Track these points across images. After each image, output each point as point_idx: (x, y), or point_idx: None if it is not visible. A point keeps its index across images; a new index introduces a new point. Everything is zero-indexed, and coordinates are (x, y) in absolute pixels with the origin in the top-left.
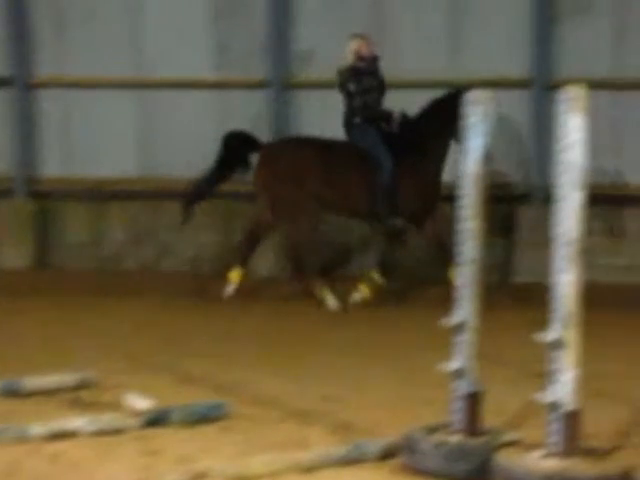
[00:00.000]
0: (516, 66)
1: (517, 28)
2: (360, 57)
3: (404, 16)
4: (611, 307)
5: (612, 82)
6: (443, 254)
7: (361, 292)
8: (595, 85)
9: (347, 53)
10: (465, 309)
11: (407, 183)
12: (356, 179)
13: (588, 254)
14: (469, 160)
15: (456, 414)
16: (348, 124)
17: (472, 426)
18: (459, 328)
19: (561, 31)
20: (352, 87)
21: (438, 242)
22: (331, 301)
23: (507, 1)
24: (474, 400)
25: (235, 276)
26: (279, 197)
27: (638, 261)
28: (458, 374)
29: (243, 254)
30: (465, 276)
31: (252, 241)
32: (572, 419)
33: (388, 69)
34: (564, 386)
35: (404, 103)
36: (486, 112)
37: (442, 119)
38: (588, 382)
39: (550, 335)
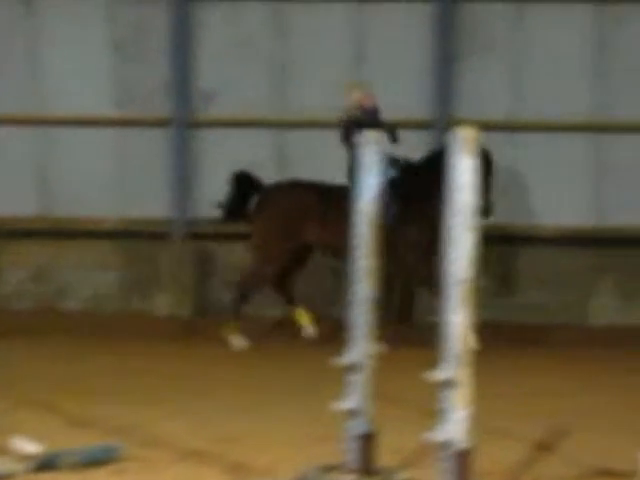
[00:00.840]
0: (417, 107)
1: (417, 69)
2: (362, 108)
3: (308, 58)
4: (507, 345)
5: (509, 123)
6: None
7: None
8: (493, 126)
9: (348, 103)
10: (359, 348)
11: (408, 228)
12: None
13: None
14: (363, 199)
15: (350, 454)
16: (351, 175)
17: (366, 466)
18: (352, 368)
19: (461, 72)
20: (353, 138)
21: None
22: (236, 341)
23: (408, 43)
24: (368, 440)
25: (234, 329)
26: (264, 235)
27: (530, 300)
28: (352, 414)
29: (236, 305)
30: (359, 315)
31: (247, 290)
32: (464, 458)
33: (291, 108)
34: (455, 425)
35: (303, 141)
36: (381, 152)
37: (444, 168)
38: (482, 420)
39: (440, 374)
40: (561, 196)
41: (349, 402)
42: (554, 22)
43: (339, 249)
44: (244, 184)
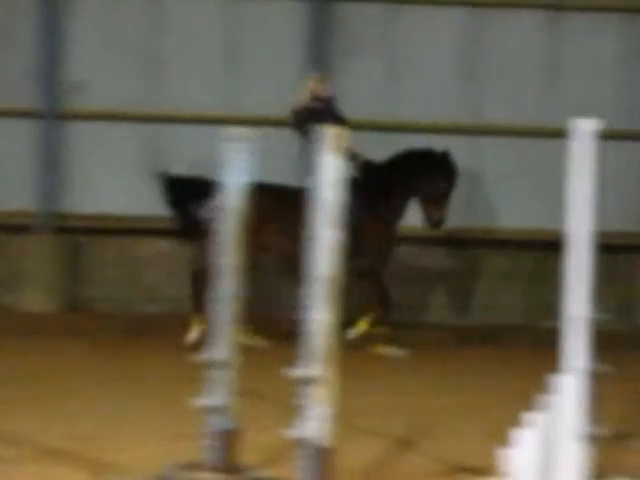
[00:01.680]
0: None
1: (290, 69)
2: (316, 97)
3: (182, 52)
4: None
5: (384, 123)
6: (381, 299)
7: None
8: (367, 126)
9: (301, 93)
10: (221, 345)
11: (366, 229)
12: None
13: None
14: (228, 196)
15: (210, 451)
16: (305, 166)
17: (226, 463)
18: (214, 364)
19: (335, 71)
20: (309, 127)
21: (381, 289)
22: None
23: (281, 41)
24: (229, 437)
25: (197, 323)
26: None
27: None
28: (212, 410)
29: (195, 300)
30: (222, 312)
31: (200, 284)
32: (323, 455)
33: (165, 102)
34: (315, 422)
35: (177, 136)
36: (247, 149)
37: (409, 171)
38: (346, 417)
39: (301, 371)
40: None
41: (210, 399)
42: (428, 23)
43: (294, 254)
44: (195, 189)
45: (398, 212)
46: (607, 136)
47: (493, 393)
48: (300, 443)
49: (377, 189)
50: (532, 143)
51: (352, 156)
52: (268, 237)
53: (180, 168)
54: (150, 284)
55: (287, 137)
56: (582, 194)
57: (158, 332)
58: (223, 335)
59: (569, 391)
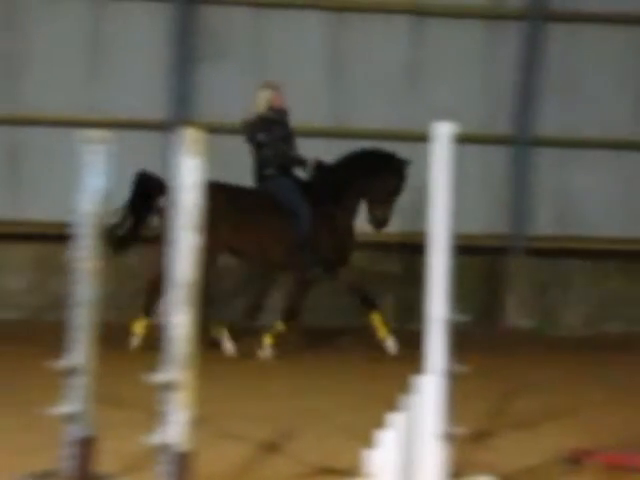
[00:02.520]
0: (154, 109)
1: (155, 71)
2: (270, 107)
3: (43, 54)
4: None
5: None
6: (362, 300)
7: (266, 346)
8: (232, 129)
9: (258, 103)
10: (79, 352)
11: (324, 231)
12: (271, 229)
13: None
14: (85, 200)
15: (67, 460)
16: (260, 176)
17: (84, 472)
18: (72, 371)
19: (199, 74)
20: (263, 137)
21: (356, 289)
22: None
23: (146, 43)
24: (87, 445)
25: (139, 327)
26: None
27: None
28: (70, 418)
29: (147, 304)
30: (80, 318)
31: (155, 290)
32: (183, 460)
33: (23, 104)
34: (175, 428)
35: (35, 139)
36: (105, 152)
37: (359, 172)
38: (212, 422)
39: (162, 376)
40: None
41: (67, 406)
42: (294, 27)
43: (248, 253)
44: (147, 187)
45: (351, 212)
46: (468, 140)
47: (359, 395)
48: (160, 449)
49: (328, 190)
50: (396, 147)
51: (300, 160)
52: (225, 237)
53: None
54: (7, 291)
55: (154, 139)
56: (442, 197)
57: (14, 340)
58: (81, 341)
59: (429, 392)
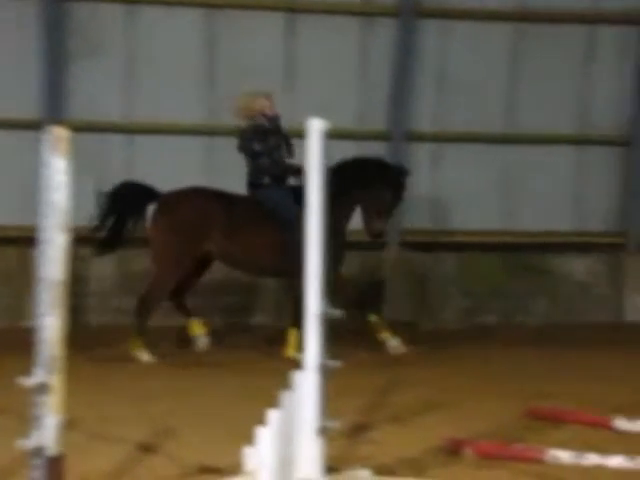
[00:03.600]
0: (25, 108)
1: (26, 69)
2: (263, 115)
3: None
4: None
5: (123, 125)
6: (356, 302)
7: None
8: (106, 127)
9: (250, 111)
10: None
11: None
12: (263, 236)
13: None
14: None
15: None
16: (254, 185)
17: None
18: None
19: (71, 73)
20: (257, 146)
21: (347, 292)
22: (144, 356)
23: (15, 41)
24: None
25: (136, 345)
26: (166, 244)
27: None
28: None
29: (140, 319)
30: None
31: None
32: (54, 464)
33: None
34: (46, 431)
35: None
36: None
37: (354, 180)
38: (90, 426)
39: (32, 379)
40: None
41: None
42: (167, 25)
43: (241, 259)
44: (134, 194)
45: (344, 220)
46: (344, 136)
47: (238, 392)
48: (33, 453)
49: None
50: None
51: (295, 169)
52: (212, 243)
53: None
54: None
55: (27, 139)
56: (315, 193)
57: None
58: None
59: (306, 387)
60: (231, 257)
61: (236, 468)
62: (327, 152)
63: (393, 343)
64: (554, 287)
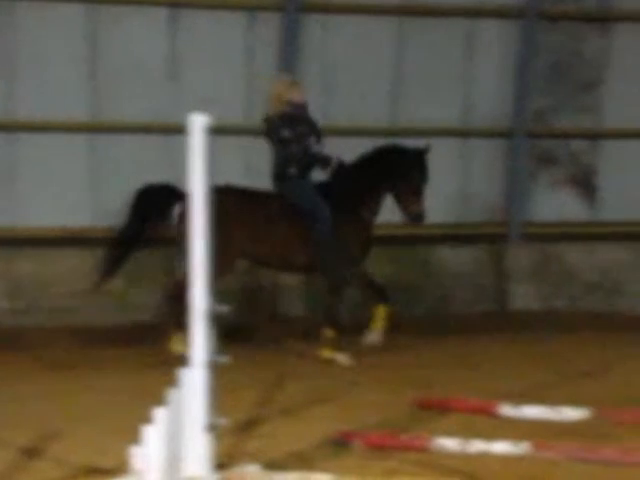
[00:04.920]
0: None
1: None
2: (290, 103)
3: None
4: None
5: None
6: (376, 293)
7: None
8: None
9: (278, 99)
10: None
11: (350, 233)
12: (291, 233)
13: None
14: None
15: None
16: (280, 175)
17: None
18: None
19: None
20: (286, 133)
21: (370, 283)
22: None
23: None
24: None
25: (176, 343)
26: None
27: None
28: None
29: (175, 316)
30: None
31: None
32: None
33: None
34: None
35: None
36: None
37: (380, 170)
38: None
39: None
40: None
41: None
42: (45, 20)
43: (272, 259)
44: (158, 198)
45: (374, 211)
46: (230, 131)
47: (126, 392)
48: None
49: (352, 190)
50: (158, 140)
51: (325, 158)
52: (241, 242)
53: None
54: None
55: None
56: (198, 188)
57: None
58: None
59: (193, 384)
60: (260, 255)
61: (122, 468)
62: (212, 148)
63: (373, 336)
64: (439, 278)
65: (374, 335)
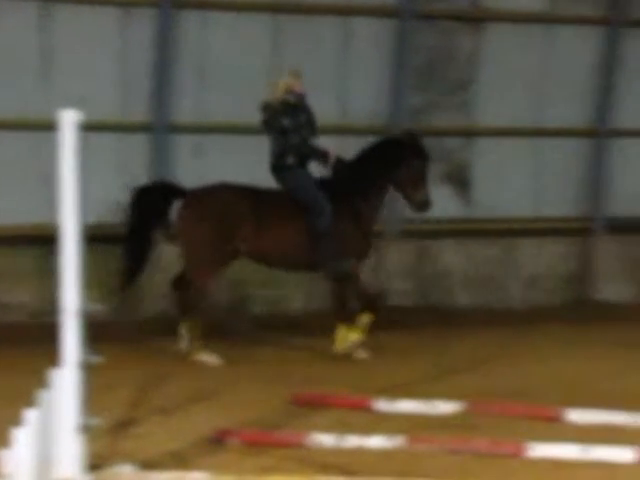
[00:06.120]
0: None
1: None
2: (291, 92)
3: None
4: None
5: None
6: (367, 302)
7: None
8: None
9: (278, 88)
10: None
11: (350, 228)
12: (292, 229)
13: None
14: None
15: None
16: (278, 166)
17: None
18: None
19: None
20: (286, 122)
21: (363, 291)
22: (208, 357)
23: None
24: None
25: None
26: (197, 243)
27: None
28: None
29: (183, 306)
30: None
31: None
32: None
33: None
34: None
35: None
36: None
37: (380, 164)
38: None
39: None
40: None
41: None
42: None
43: (272, 256)
44: (156, 196)
45: (376, 206)
46: (104, 128)
47: None
48: None
49: (351, 185)
50: (28, 136)
51: (322, 152)
52: (242, 239)
53: None
54: None
55: None
56: (69, 186)
57: None
58: None
59: (64, 385)
60: (261, 253)
61: None
62: (84, 144)
63: (359, 352)
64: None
65: (360, 351)
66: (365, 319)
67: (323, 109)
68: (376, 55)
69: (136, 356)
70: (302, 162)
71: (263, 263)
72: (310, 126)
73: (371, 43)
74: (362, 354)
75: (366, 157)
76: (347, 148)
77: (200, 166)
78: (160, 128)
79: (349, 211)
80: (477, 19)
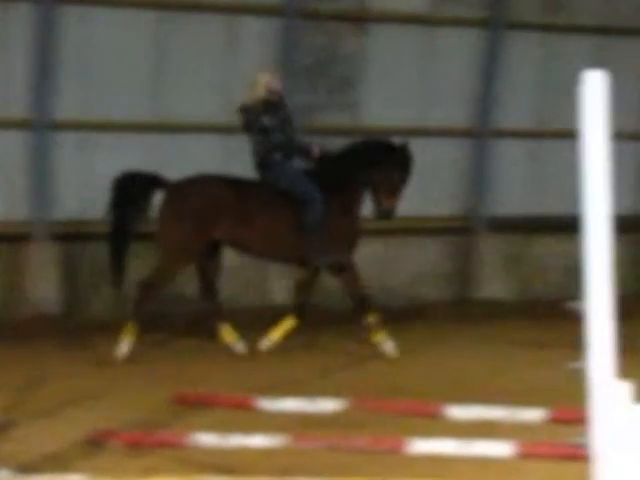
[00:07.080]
0: None
1: None
2: (270, 91)
3: None
4: None
5: None
6: (358, 302)
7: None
8: None
9: (256, 88)
10: None
11: (332, 221)
12: (279, 220)
13: None
14: None
15: None
16: (264, 163)
17: None
18: None
19: None
20: (268, 121)
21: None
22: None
23: None
24: None
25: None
26: (173, 232)
27: None
28: None
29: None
30: None
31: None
32: None
33: None
34: None
35: None
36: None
37: (362, 163)
38: None
39: None
40: None
41: None
42: None
43: (251, 245)
44: (137, 185)
45: (355, 203)
46: None
47: None
48: None
49: (332, 179)
50: None
51: (305, 148)
52: (221, 230)
53: None
54: None
55: None
56: None
57: None
58: None
59: None
60: (245, 243)
61: None
62: None
63: (388, 346)
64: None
65: (389, 346)
66: (371, 319)
67: (208, 109)
68: (262, 54)
69: (15, 357)
70: (287, 157)
71: (247, 254)
72: (290, 123)
73: (256, 41)
74: (391, 349)
75: (349, 154)
76: (231, 148)
77: (83, 164)
78: (40, 125)
79: (330, 204)
80: (361, 19)
